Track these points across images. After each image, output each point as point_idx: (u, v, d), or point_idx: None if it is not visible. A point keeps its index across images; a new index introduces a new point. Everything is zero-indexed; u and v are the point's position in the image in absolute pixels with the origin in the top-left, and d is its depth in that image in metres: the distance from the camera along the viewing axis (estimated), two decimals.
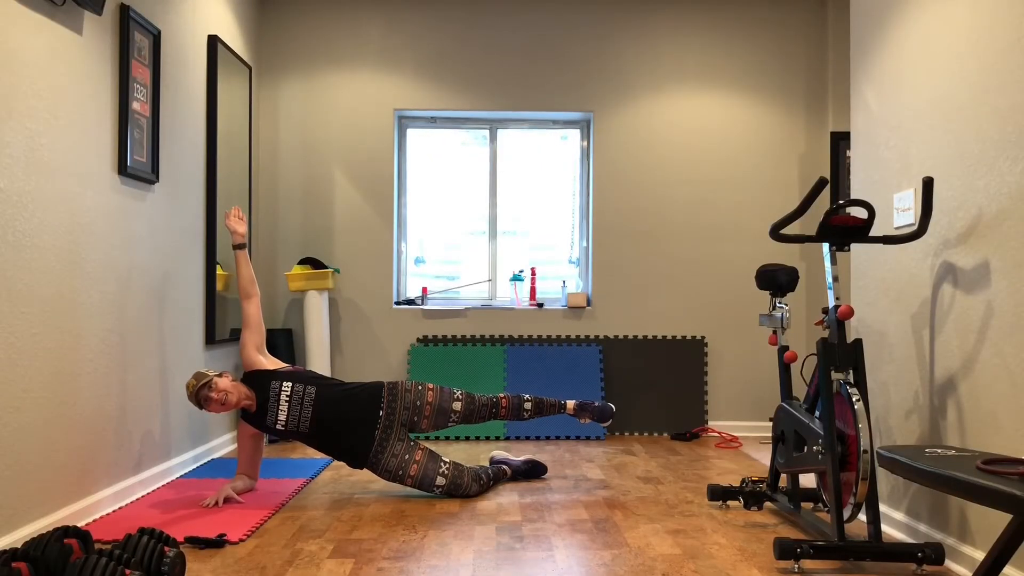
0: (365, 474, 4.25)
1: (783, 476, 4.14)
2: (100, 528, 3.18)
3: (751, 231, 5.68)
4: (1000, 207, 2.61)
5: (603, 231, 5.68)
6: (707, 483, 4.10)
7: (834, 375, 2.92)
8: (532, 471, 4.17)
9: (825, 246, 2.98)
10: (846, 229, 2.92)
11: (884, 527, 3.28)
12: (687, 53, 5.69)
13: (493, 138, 5.86)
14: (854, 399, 2.79)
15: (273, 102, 5.61)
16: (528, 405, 3.94)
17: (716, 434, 5.60)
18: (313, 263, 5.44)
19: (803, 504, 3.58)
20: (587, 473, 4.32)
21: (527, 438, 5.33)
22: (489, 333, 5.63)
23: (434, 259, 5.89)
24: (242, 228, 3.93)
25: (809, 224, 5.52)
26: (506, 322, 5.64)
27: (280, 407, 3.70)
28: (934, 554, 2.68)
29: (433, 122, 5.84)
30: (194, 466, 4.37)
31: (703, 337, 5.66)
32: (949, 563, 2.80)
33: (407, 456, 3.73)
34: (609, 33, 5.69)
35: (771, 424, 4.14)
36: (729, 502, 3.70)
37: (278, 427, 3.72)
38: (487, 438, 5.33)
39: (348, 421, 3.72)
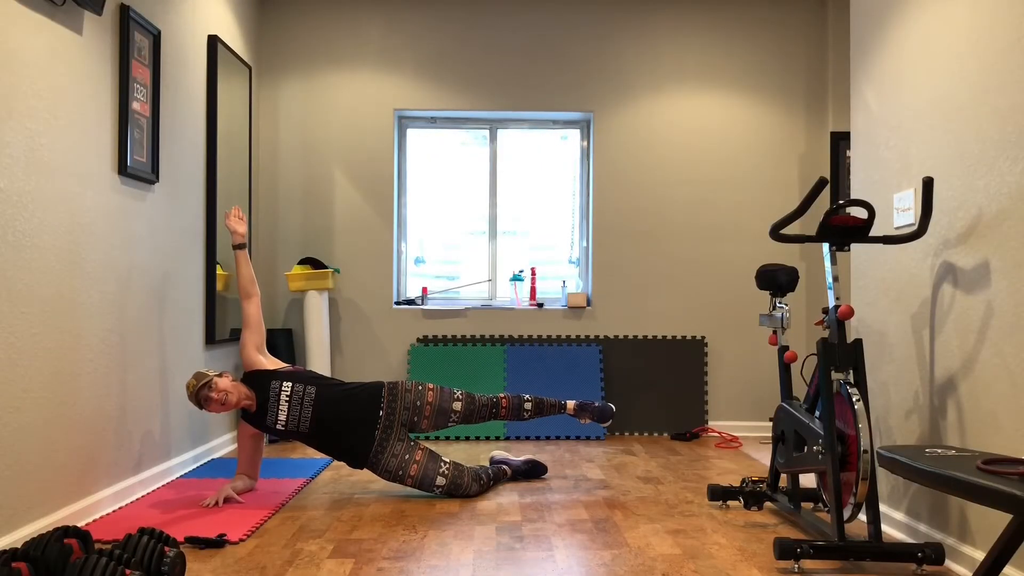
0: (365, 474, 4.25)
1: (783, 476, 4.14)
2: (100, 528, 3.18)
3: (751, 231, 5.68)
4: (1000, 207, 2.61)
5: (603, 231, 5.68)
6: (707, 483, 4.10)
7: (834, 375, 2.92)
8: (532, 471, 4.17)
9: (825, 246, 2.98)
10: (846, 229, 2.92)
11: (884, 527, 3.28)
12: (687, 53, 5.69)
13: (493, 138, 5.87)
14: (854, 399, 2.79)
15: (273, 102, 5.61)
16: (528, 405, 3.94)
17: (716, 434, 5.60)
18: (313, 263, 5.44)
19: (803, 504, 3.58)
20: (587, 473, 4.32)
21: (527, 438, 5.33)
22: (489, 333, 5.63)
23: (434, 259, 5.89)
24: (242, 228, 3.93)
25: (809, 224, 5.52)
26: (506, 322, 5.64)
27: (280, 407, 3.70)
28: (934, 554, 2.68)
29: (433, 122, 5.84)
30: (194, 466, 4.37)
31: (703, 337, 5.66)
32: (949, 563, 2.80)
33: (407, 456, 3.73)
34: (609, 33, 5.69)
35: (771, 424, 4.14)
36: (729, 502, 3.70)
37: (278, 427, 3.72)
38: (487, 438, 5.33)
39: (348, 421, 3.72)
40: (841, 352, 2.88)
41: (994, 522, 2.60)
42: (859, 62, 3.60)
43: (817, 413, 3.13)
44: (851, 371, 2.87)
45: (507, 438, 5.33)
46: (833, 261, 2.96)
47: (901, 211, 3.22)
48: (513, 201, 5.88)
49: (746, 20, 5.70)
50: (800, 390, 5.54)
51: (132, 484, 3.68)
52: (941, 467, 1.93)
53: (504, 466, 4.10)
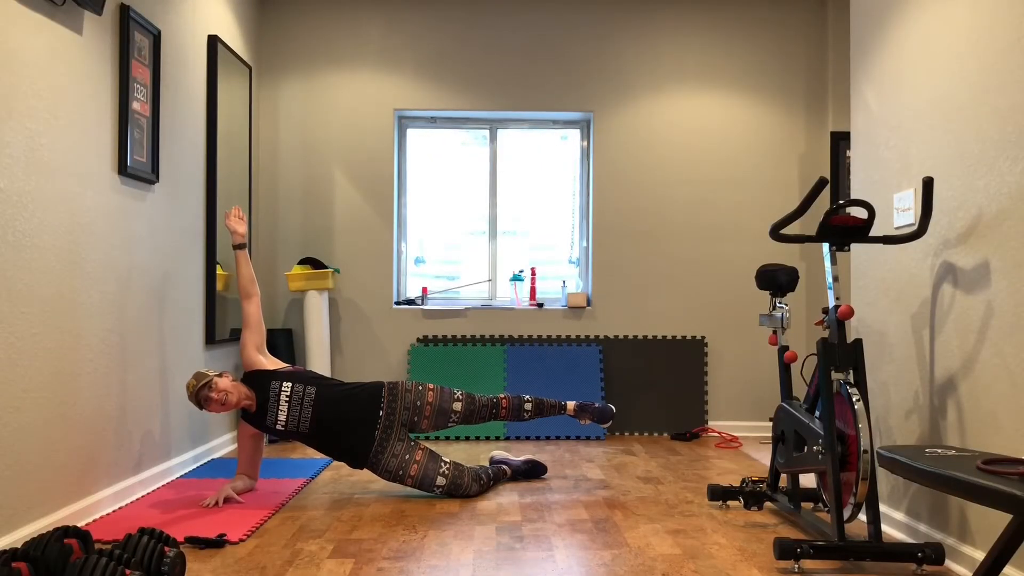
0: (365, 474, 4.25)
1: (783, 476, 4.14)
2: (100, 528, 3.18)
3: (751, 231, 5.68)
4: (1000, 207, 2.61)
5: (603, 231, 5.68)
6: (707, 483, 4.10)
7: (834, 375, 2.92)
8: (532, 471, 4.17)
9: (825, 246, 2.98)
10: (846, 229, 2.92)
11: (884, 527, 3.28)
12: (687, 53, 5.69)
13: (493, 138, 5.87)
14: (854, 399, 2.78)
15: (273, 102, 5.61)
16: (528, 406, 3.94)
17: (716, 434, 5.60)
18: (313, 263, 5.44)
19: (803, 504, 3.58)
20: (587, 473, 4.32)
21: (527, 438, 5.33)
22: (489, 333, 5.63)
23: (434, 259, 5.89)
24: (242, 228, 3.93)
25: (809, 224, 5.52)
26: (506, 322, 5.64)
27: (280, 407, 3.70)
28: (934, 554, 2.68)
29: (433, 122, 5.84)
30: (194, 466, 4.37)
31: (703, 337, 5.66)
32: (949, 563, 2.80)
33: (407, 456, 3.73)
34: (609, 33, 5.69)
35: (771, 424, 4.14)
36: (729, 502, 3.69)
37: (278, 427, 3.72)
38: (487, 438, 5.33)
39: (348, 421, 3.72)
40: (841, 352, 2.88)
41: (994, 522, 2.60)
42: (859, 62, 3.60)
43: (817, 413, 3.13)
44: (851, 371, 2.87)
45: (507, 438, 5.33)
46: (833, 261, 2.96)
47: (901, 211, 3.22)
48: (513, 201, 5.88)
49: (746, 20, 5.70)
50: (800, 390, 5.54)
51: (132, 484, 3.68)
52: (941, 467, 1.93)
53: (504, 466, 4.10)
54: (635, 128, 5.68)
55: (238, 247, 3.92)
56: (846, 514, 2.79)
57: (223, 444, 4.87)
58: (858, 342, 2.87)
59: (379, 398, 3.77)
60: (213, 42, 4.62)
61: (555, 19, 5.68)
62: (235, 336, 4.93)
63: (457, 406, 3.85)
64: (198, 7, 4.48)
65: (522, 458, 4.24)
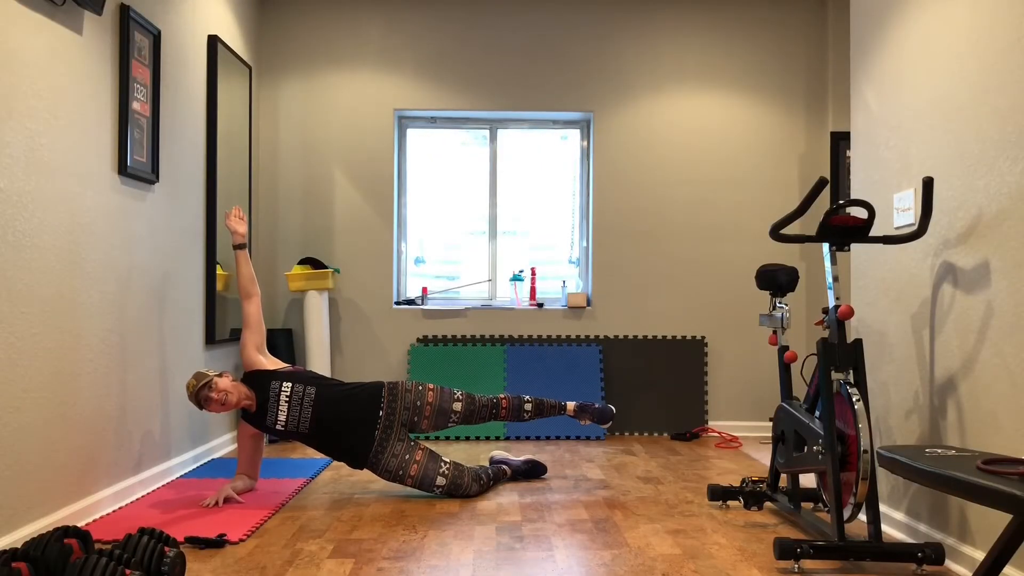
0: (365, 474, 4.25)
1: (783, 476, 4.14)
2: (100, 528, 3.18)
3: (751, 231, 5.68)
4: (1000, 207, 2.61)
5: (603, 231, 5.68)
6: (707, 483, 4.10)
7: (834, 375, 2.92)
8: (532, 471, 4.17)
9: (825, 246, 2.98)
10: (846, 229, 2.92)
11: (884, 527, 3.28)
12: (687, 53, 5.69)
13: (493, 138, 5.87)
14: (854, 399, 2.78)
15: (273, 102, 5.61)
16: (528, 406, 3.94)
17: (716, 434, 5.60)
18: (313, 263, 5.44)
19: (803, 504, 3.58)
20: (587, 473, 4.32)
21: (527, 438, 5.33)
22: (489, 333, 5.63)
23: (434, 259, 5.89)
24: (242, 228, 3.93)
25: (809, 224, 5.52)
26: (506, 322, 5.64)
27: (280, 407, 3.70)
28: (934, 554, 2.68)
29: (433, 122, 5.84)
30: (194, 466, 4.37)
31: (703, 337, 5.66)
32: (949, 563, 2.80)
33: (407, 456, 3.73)
34: (609, 33, 5.69)
35: (771, 424, 4.14)
36: (729, 502, 3.70)
37: (278, 427, 3.72)
38: (487, 438, 5.33)
39: (348, 421, 3.72)
40: (841, 352, 2.88)
41: (994, 522, 2.60)
42: (859, 62, 3.60)
43: (817, 413, 3.13)
44: (851, 371, 2.87)
45: (507, 438, 5.33)
46: (833, 261, 2.96)
47: (901, 211, 3.22)
48: (513, 201, 5.88)
49: (746, 20, 5.70)
50: (800, 390, 5.54)
51: (132, 484, 3.68)
52: (941, 467, 1.93)
53: (504, 466, 4.10)
54: (635, 128, 5.68)
55: (238, 247, 3.92)
56: (846, 514, 2.79)
57: (223, 444, 4.87)
58: (858, 342, 2.87)
59: (379, 398, 3.77)
60: (213, 42, 4.62)
61: (555, 19, 5.68)
62: (235, 336, 4.93)
63: (457, 406, 3.85)
64: (198, 7, 4.48)
65: (522, 458, 4.24)
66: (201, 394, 3.60)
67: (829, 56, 5.66)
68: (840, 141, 5.59)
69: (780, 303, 3.53)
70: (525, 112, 5.69)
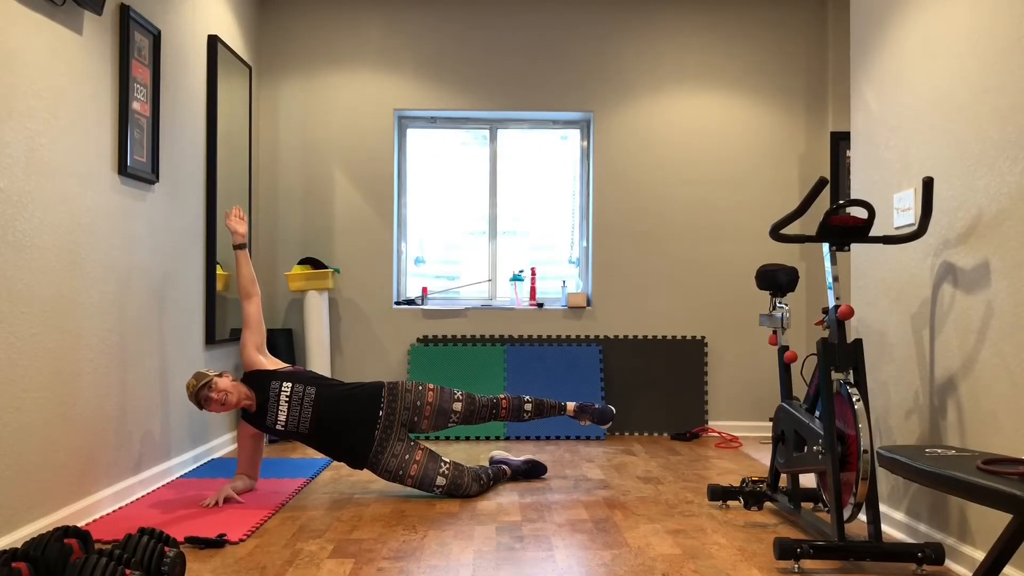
0: (365, 474, 4.25)
1: (783, 476, 4.14)
2: (100, 528, 3.18)
3: (751, 231, 5.69)
4: (1000, 207, 2.62)
5: (603, 231, 5.68)
6: (707, 483, 4.10)
7: (834, 375, 2.92)
8: (532, 471, 4.17)
9: (825, 246, 2.98)
10: (846, 229, 2.92)
11: (884, 527, 3.28)
12: (687, 53, 5.69)
13: (493, 138, 5.87)
14: (854, 399, 2.78)
15: (273, 102, 5.62)
16: (528, 407, 3.94)
17: (716, 434, 5.60)
18: (313, 263, 5.44)
19: (803, 504, 3.58)
20: (587, 473, 4.32)
21: (527, 438, 5.33)
22: (489, 333, 5.63)
23: (434, 259, 5.89)
24: (243, 228, 3.93)
25: (809, 224, 5.52)
26: (506, 322, 5.64)
27: (280, 407, 3.70)
28: (934, 554, 2.68)
29: (433, 122, 5.84)
30: (194, 466, 4.37)
31: (703, 337, 5.66)
32: (949, 563, 2.80)
33: (407, 456, 3.73)
34: (609, 33, 5.69)
35: (771, 424, 4.14)
36: (729, 502, 3.70)
37: (278, 427, 3.72)
38: (487, 438, 5.33)
39: (348, 421, 3.72)
40: (841, 352, 2.88)
41: (994, 522, 2.60)
42: (859, 62, 3.60)
43: (817, 413, 3.13)
44: (851, 371, 2.87)
45: (507, 438, 5.33)
46: (833, 261, 2.96)
47: (901, 211, 3.22)
48: (513, 201, 5.88)
49: (746, 20, 5.70)
50: (800, 390, 5.54)
51: (132, 484, 3.68)
52: (941, 467, 1.93)
53: (504, 466, 4.10)
54: (635, 128, 5.68)
55: (238, 247, 3.92)
56: (846, 514, 2.79)
57: (223, 444, 4.87)
58: (858, 342, 2.87)
59: (379, 398, 3.77)
60: (213, 42, 4.62)
61: (555, 19, 5.68)
62: (235, 336, 4.93)
63: (457, 406, 3.85)
64: (198, 7, 4.48)
65: (522, 458, 4.24)
66: (201, 394, 3.60)
67: (829, 56, 5.66)
68: (840, 141, 5.59)
69: (780, 303, 3.53)
70: (525, 112, 5.70)
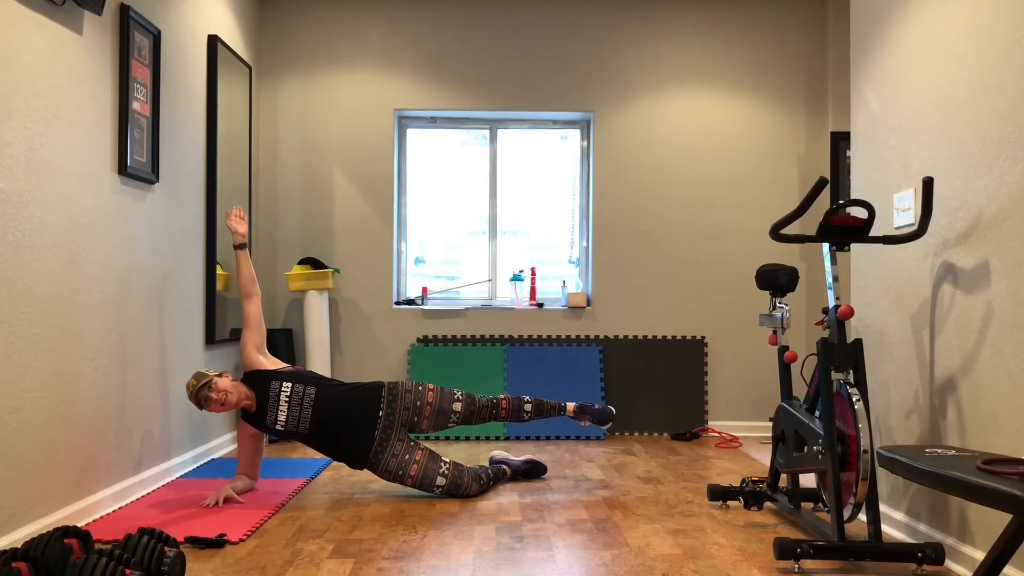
0: (365, 474, 4.25)
1: (783, 476, 4.14)
2: (100, 528, 3.18)
3: (751, 231, 5.69)
4: (1000, 207, 2.61)
5: (603, 231, 5.68)
6: (707, 483, 4.10)
7: (834, 375, 2.92)
8: (532, 471, 4.17)
9: (825, 246, 2.98)
10: (846, 229, 2.92)
11: (884, 527, 3.28)
12: (687, 53, 5.69)
13: (493, 138, 5.87)
14: (854, 399, 2.78)
15: (273, 102, 5.61)
16: (528, 407, 3.94)
17: (716, 434, 5.60)
18: (313, 263, 5.44)
19: (803, 504, 3.58)
20: (587, 473, 4.32)
21: (527, 438, 5.33)
22: (489, 333, 5.63)
23: (434, 259, 5.89)
24: (243, 228, 3.93)
25: (809, 224, 5.52)
26: (506, 322, 5.64)
27: (280, 407, 3.71)
28: (934, 554, 2.68)
29: (433, 122, 5.84)
30: (194, 466, 4.37)
31: (703, 337, 5.66)
32: (949, 563, 2.80)
33: (407, 456, 3.73)
34: (609, 33, 5.69)
35: (771, 424, 4.14)
36: (729, 502, 3.69)
37: (278, 427, 3.72)
38: (487, 438, 5.33)
39: (348, 421, 3.72)
40: (841, 352, 2.88)
41: (994, 522, 2.60)
42: (859, 62, 3.60)
43: (817, 413, 3.13)
44: (851, 371, 2.87)
45: (507, 438, 5.33)
46: (833, 261, 2.96)
47: (901, 211, 3.22)
48: (513, 201, 5.88)
49: (746, 20, 5.70)
50: (800, 390, 5.54)
51: (132, 484, 3.68)
52: (941, 467, 1.93)
53: (504, 466, 4.10)
54: (635, 128, 5.68)
55: (238, 247, 3.92)
56: (846, 514, 2.79)
57: (223, 444, 4.87)
58: (858, 342, 2.87)
59: (379, 398, 3.77)
60: (213, 42, 4.62)
61: (555, 19, 5.68)
62: (235, 336, 4.93)
63: (457, 406, 3.85)
64: (198, 7, 4.48)
65: (522, 458, 4.24)
66: (201, 394, 3.60)
67: (829, 56, 5.66)
68: (840, 141, 5.59)
69: (780, 303, 3.53)
70: (525, 112, 5.70)
